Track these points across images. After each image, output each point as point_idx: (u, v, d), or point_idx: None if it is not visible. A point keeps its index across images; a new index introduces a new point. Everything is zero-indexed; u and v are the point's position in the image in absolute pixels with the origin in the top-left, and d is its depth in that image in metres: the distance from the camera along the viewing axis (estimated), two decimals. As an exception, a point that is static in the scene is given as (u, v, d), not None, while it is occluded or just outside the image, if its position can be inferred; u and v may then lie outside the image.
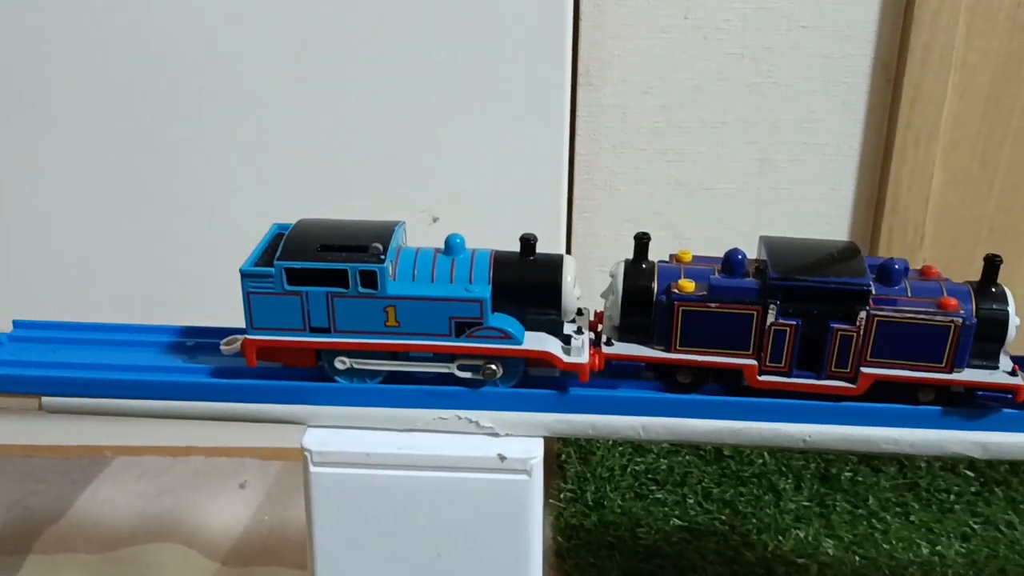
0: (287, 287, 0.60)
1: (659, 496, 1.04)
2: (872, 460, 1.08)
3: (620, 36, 0.99)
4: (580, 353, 0.62)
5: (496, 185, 1.04)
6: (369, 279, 0.60)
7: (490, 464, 0.62)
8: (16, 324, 0.70)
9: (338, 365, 0.63)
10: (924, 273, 0.64)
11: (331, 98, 1.01)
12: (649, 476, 1.06)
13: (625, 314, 0.63)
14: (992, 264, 0.62)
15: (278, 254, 0.60)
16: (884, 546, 0.98)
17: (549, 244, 0.71)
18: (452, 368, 0.63)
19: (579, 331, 0.64)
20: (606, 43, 0.99)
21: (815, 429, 0.62)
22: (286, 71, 1.00)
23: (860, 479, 1.06)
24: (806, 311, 0.61)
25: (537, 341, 0.62)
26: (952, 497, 1.04)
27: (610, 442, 1.08)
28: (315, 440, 0.63)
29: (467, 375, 0.63)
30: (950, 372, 0.61)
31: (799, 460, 1.08)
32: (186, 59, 1.00)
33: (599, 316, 0.67)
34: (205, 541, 1.01)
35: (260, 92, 1.01)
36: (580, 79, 1.00)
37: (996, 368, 0.62)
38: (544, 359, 0.62)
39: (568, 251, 0.63)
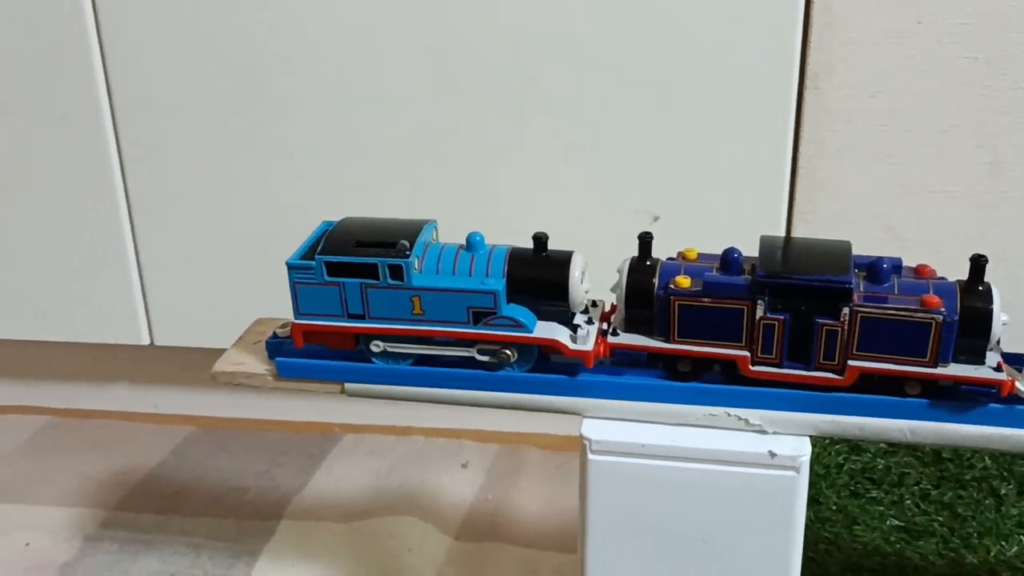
0: (326, 278, 0.68)
1: (875, 495, 1.05)
2: (1098, 468, 1.06)
3: (850, 41, 1.00)
4: (585, 341, 0.68)
5: (718, 185, 1.07)
6: (396, 272, 0.67)
7: (760, 460, 0.66)
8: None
9: (373, 348, 0.70)
10: (919, 272, 0.67)
11: (556, 96, 1.05)
12: (865, 475, 1.07)
13: (629, 307, 0.69)
14: (977, 264, 0.65)
15: (319, 249, 0.69)
16: (1115, 556, 0.96)
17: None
18: (473, 352, 0.69)
19: (589, 321, 0.70)
20: (835, 47, 1.00)
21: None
22: (524, 71, 1.05)
23: (1087, 487, 1.05)
24: (793, 306, 0.65)
25: (547, 330, 0.69)
26: None
27: (827, 440, 1.09)
28: (593, 429, 0.68)
29: (486, 359, 0.69)
30: (934, 366, 0.64)
31: (1022, 466, 1.07)
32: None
33: (613, 308, 0.72)
34: (437, 516, 1.09)
35: (494, 96, 1.07)
36: (807, 83, 1.02)
37: (982, 364, 0.64)
38: (552, 346, 0.68)
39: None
